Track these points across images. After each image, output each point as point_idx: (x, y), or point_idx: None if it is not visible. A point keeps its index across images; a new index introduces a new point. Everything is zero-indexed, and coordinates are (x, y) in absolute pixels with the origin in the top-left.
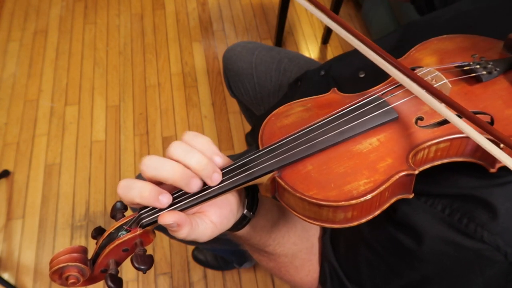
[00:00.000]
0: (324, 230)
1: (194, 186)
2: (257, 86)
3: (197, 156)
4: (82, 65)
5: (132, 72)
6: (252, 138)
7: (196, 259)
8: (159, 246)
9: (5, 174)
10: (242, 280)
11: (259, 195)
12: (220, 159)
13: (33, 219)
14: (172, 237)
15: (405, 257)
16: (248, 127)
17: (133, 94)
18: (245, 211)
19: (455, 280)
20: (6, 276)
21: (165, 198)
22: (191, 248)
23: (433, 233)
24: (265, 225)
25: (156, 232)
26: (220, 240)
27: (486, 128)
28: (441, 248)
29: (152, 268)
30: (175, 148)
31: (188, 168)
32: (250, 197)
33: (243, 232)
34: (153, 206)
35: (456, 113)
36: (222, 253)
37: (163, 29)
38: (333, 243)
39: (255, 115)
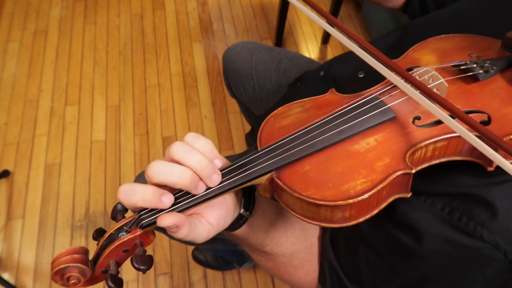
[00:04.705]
0: (324, 230)
1: (200, 189)
2: (257, 86)
3: (197, 156)
4: (82, 65)
5: (132, 72)
6: (252, 138)
7: (196, 259)
8: (159, 246)
9: (5, 174)
10: (242, 280)
11: (256, 194)
12: (220, 162)
13: (33, 219)
14: (171, 237)
15: (405, 256)
16: (248, 127)
17: (133, 94)
18: (242, 210)
19: (455, 278)
20: (6, 276)
21: (167, 199)
22: (191, 248)
23: (433, 232)
24: (263, 225)
25: (156, 232)
26: (220, 240)
27: (478, 127)
28: (441, 247)
29: (152, 268)
30: (177, 148)
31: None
32: (247, 197)
33: (241, 231)
34: (156, 208)
35: (449, 113)
36: (222, 253)
37: (163, 29)
38: (333, 243)
39: (255, 115)
